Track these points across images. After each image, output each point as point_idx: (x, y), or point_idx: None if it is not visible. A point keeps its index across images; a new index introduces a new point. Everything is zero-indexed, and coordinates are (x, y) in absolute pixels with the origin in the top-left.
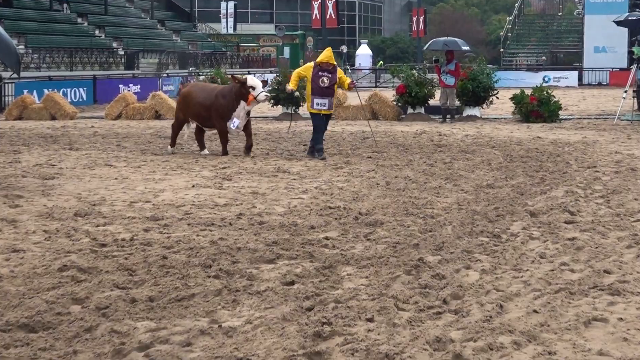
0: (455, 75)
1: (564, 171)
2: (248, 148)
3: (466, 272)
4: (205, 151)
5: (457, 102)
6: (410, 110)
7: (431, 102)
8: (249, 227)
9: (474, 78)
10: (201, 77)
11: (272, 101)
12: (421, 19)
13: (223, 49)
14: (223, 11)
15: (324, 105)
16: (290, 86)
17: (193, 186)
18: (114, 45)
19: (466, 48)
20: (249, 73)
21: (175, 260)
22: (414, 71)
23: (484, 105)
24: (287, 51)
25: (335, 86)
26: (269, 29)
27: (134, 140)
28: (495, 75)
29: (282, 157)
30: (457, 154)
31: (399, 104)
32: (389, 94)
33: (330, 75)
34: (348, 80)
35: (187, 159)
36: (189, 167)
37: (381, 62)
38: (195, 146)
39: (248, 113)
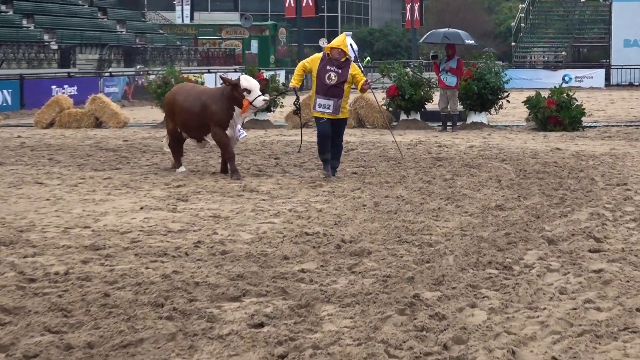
0: (457, 74)
1: (588, 189)
2: (226, 164)
3: (471, 311)
4: (182, 168)
5: (460, 107)
6: (403, 117)
7: (428, 106)
8: (209, 257)
9: (480, 77)
10: (151, 77)
11: None
12: (416, 6)
13: (178, 43)
14: None
15: (327, 108)
16: (293, 83)
17: (141, 208)
18: (45, 38)
19: (470, 42)
20: (208, 71)
21: (119, 298)
22: (408, 69)
23: (492, 111)
24: (254, 45)
25: (347, 86)
26: (233, 18)
27: (69, 153)
28: (506, 74)
29: (250, 173)
30: (459, 169)
31: (390, 109)
32: (378, 97)
33: (339, 71)
34: (363, 79)
35: (134, 176)
36: (136, 186)
37: (368, 58)
38: (215, 162)
39: (243, 119)
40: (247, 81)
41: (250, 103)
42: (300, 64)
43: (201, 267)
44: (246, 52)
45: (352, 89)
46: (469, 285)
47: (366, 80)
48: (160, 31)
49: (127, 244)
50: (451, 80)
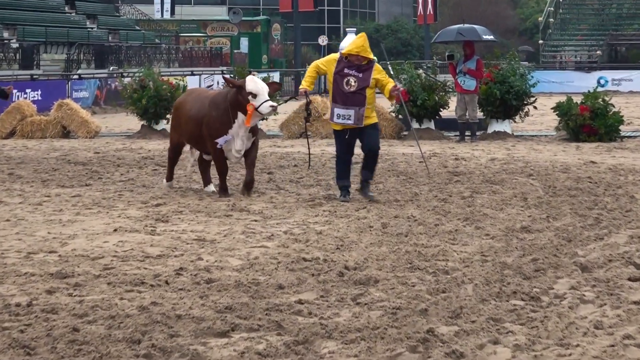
0: (476, 77)
1: (627, 209)
2: (247, 185)
3: (493, 348)
4: (211, 187)
5: (480, 114)
6: (415, 125)
7: (444, 113)
8: (193, 287)
9: (503, 80)
10: (126, 80)
11: None
12: (430, 0)
13: (157, 41)
14: None
15: (348, 119)
16: (304, 85)
17: (115, 230)
18: (5, 35)
19: (489, 37)
20: (192, 74)
21: (90, 334)
22: (420, 71)
23: (517, 118)
24: (244, 44)
25: (370, 92)
26: (219, 13)
27: (32, 167)
28: (532, 77)
29: (239, 190)
30: (479, 186)
31: (400, 116)
32: (386, 103)
33: (360, 75)
34: (391, 83)
35: (106, 193)
36: (109, 204)
37: (375, 58)
38: (198, 176)
39: (253, 131)
40: (254, 83)
41: (256, 109)
42: (314, 64)
43: (184, 297)
44: (235, 51)
45: (377, 93)
46: (491, 318)
47: (395, 85)
48: (137, 27)
49: (99, 271)
50: (469, 83)
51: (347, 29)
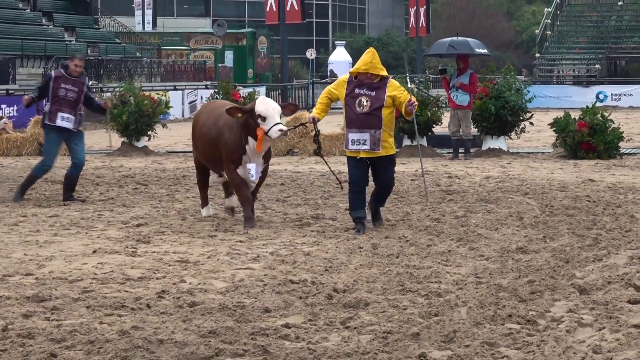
0: (469, 92)
1: (626, 229)
2: (246, 219)
3: None
4: (208, 211)
5: (474, 130)
6: (406, 142)
7: (437, 129)
8: (176, 310)
9: (498, 95)
10: (106, 95)
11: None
12: (422, 11)
13: (138, 54)
14: (137, 0)
15: (363, 144)
16: (314, 112)
17: (94, 252)
18: None
19: (482, 51)
20: (174, 88)
21: (68, 359)
22: (412, 85)
23: (512, 135)
24: (229, 57)
25: (387, 112)
26: (203, 25)
27: (7, 186)
28: (529, 92)
29: (224, 210)
30: (474, 204)
31: (401, 133)
32: None
33: (372, 94)
34: (406, 97)
35: (85, 213)
36: (88, 225)
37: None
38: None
39: (265, 157)
40: (264, 105)
41: (265, 133)
42: (326, 90)
43: (166, 321)
44: (219, 65)
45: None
46: (485, 342)
47: (409, 100)
48: (117, 40)
49: (78, 295)
50: (462, 98)
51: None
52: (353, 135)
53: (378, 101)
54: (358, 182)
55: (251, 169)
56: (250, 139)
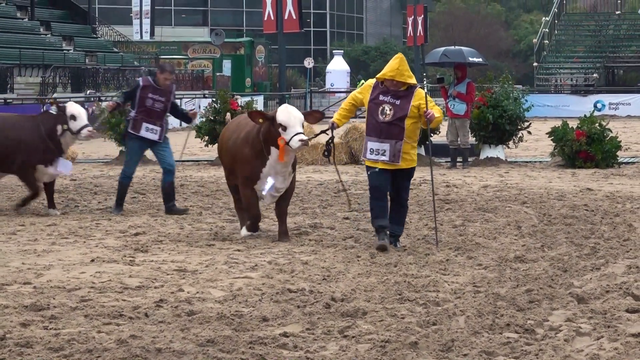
0: (466, 101)
1: (624, 237)
2: (282, 235)
3: None
4: (243, 232)
5: (472, 139)
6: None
7: (434, 138)
8: (174, 319)
9: (496, 104)
10: (104, 104)
11: (207, 139)
12: (420, 20)
13: (136, 63)
14: (135, 9)
15: (382, 154)
16: (334, 118)
17: (92, 261)
18: None
19: (476, 60)
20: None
21: None
22: None
23: (510, 144)
24: (227, 66)
25: (410, 122)
26: (201, 34)
27: (6, 195)
28: (527, 101)
29: (222, 218)
30: (472, 213)
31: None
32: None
33: (397, 102)
34: (437, 111)
35: (83, 222)
36: (86, 234)
37: (363, 81)
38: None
39: (292, 166)
40: (285, 113)
41: (287, 143)
42: (351, 95)
43: (164, 330)
44: (217, 74)
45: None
46: (484, 351)
47: (426, 111)
48: (115, 49)
49: (76, 303)
50: (459, 107)
51: (334, 51)
52: (372, 144)
53: (402, 110)
54: (379, 187)
55: (267, 183)
56: (273, 150)
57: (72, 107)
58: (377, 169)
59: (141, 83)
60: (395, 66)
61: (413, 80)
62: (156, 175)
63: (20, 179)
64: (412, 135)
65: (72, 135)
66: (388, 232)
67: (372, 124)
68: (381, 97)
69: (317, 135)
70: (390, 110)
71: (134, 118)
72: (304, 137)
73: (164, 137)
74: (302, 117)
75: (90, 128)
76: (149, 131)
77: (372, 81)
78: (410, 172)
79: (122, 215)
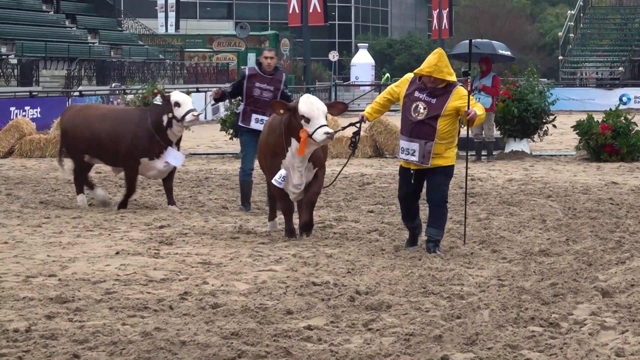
0: (492, 94)
1: None
2: (303, 227)
3: None
4: (275, 224)
5: (497, 133)
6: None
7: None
8: (198, 312)
9: (521, 98)
10: (129, 97)
11: (232, 132)
12: (445, 13)
13: (161, 56)
14: (160, 2)
15: (412, 154)
16: (365, 111)
17: (117, 253)
18: (3, 50)
19: (506, 53)
20: (197, 90)
21: None
22: None
23: (535, 137)
24: (252, 59)
25: (444, 122)
26: (226, 27)
27: (31, 188)
28: (552, 94)
29: (246, 211)
30: (496, 207)
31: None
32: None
33: (432, 101)
34: (479, 108)
35: (108, 214)
36: (111, 226)
37: (388, 74)
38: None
39: (315, 161)
40: (308, 104)
41: (309, 136)
42: (388, 88)
43: (188, 323)
44: (242, 67)
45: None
46: (508, 345)
47: (468, 109)
48: (140, 42)
49: (100, 296)
50: (485, 101)
51: (358, 44)
52: (403, 143)
53: (436, 110)
54: (406, 197)
55: (280, 175)
56: (293, 141)
57: (176, 95)
58: (406, 174)
59: (247, 72)
60: (434, 62)
61: (453, 78)
62: (181, 167)
63: (124, 172)
64: (447, 135)
65: (178, 123)
66: (416, 232)
67: (405, 121)
68: (417, 94)
69: (344, 128)
70: (424, 109)
71: (243, 110)
72: (330, 130)
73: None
74: (325, 108)
75: (195, 112)
76: (258, 122)
77: (410, 75)
78: (442, 170)
79: (146, 208)
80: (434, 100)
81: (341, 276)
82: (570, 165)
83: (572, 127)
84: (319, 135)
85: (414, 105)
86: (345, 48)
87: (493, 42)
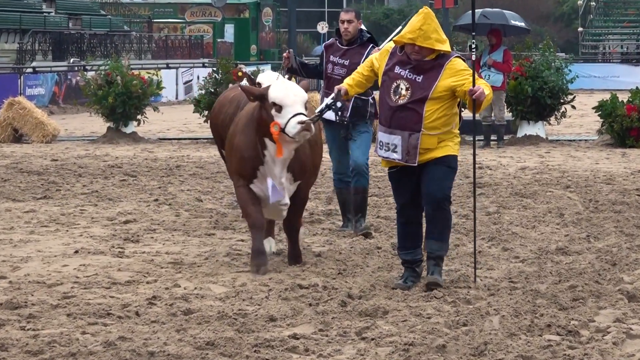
0: (503, 71)
1: None
2: (292, 259)
3: None
4: (270, 243)
5: (508, 115)
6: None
7: (465, 113)
8: (168, 319)
9: (535, 75)
10: (89, 74)
11: (206, 114)
12: None
13: (126, 28)
14: None
15: (393, 150)
16: (344, 83)
17: (76, 252)
18: None
19: (519, 24)
20: (167, 67)
21: None
22: None
23: (552, 120)
24: (230, 31)
25: (435, 107)
26: None
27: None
28: (570, 71)
29: (223, 204)
30: (507, 199)
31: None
32: None
33: (418, 79)
34: (485, 86)
35: (66, 208)
36: (69, 221)
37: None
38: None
39: (295, 169)
40: (279, 89)
41: (282, 130)
42: (371, 56)
43: (157, 331)
44: (218, 40)
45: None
46: (521, 356)
47: (472, 88)
48: (102, 12)
49: (57, 301)
50: (495, 78)
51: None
52: (382, 136)
53: (422, 90)
54: (404, 207)
55: (269, 187)
56: (268, 142)
57: (263, 77)
58: (396, 175)
59: (324, 44)
60: (417, 25)
61: (444, 47)
62: (148, 154)
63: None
64: (439, 125)
65: None
66: (416, 269)
67: (382, 107)
68: (397, 70)
69: (322, 112)
70: (406, 89)
71: (322, 94)
72: (304, 118)
73: (364, 122)
74: (305, 96)
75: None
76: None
77: (391, 45)
78: (444, 160)
79: (110, 201)
80: (419, 78)
81: (331, 278)
82: (592, 151)
83: (593, 108)
84: (292, 127)
85: (394, 85)
86: (336, 18)
87: (505, 11)
